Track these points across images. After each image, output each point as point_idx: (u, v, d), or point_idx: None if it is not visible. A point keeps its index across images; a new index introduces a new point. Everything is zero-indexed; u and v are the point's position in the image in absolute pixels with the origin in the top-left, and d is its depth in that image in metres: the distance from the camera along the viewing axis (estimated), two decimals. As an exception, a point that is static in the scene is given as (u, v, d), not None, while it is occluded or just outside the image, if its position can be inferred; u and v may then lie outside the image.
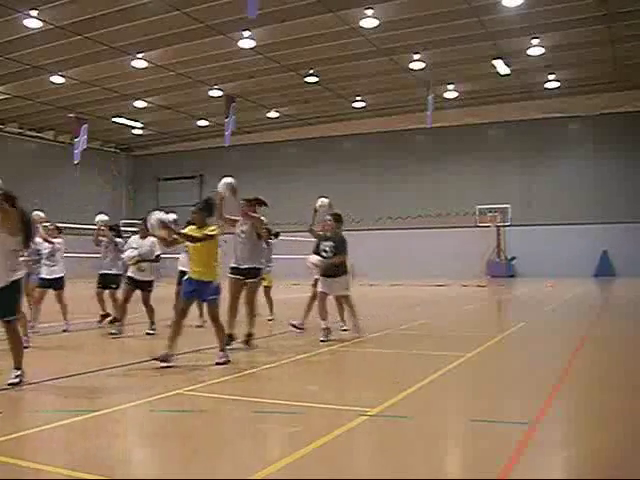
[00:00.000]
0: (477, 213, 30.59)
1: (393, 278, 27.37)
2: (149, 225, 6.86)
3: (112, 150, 38.55)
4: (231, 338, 7.54)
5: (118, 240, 9.91)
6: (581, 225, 28.81)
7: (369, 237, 32.35)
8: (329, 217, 8.88)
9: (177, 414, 4.73)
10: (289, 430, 4.30)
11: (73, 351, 8.04)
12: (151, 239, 9.07)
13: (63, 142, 33.61)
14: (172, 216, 8.52)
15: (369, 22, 19.62)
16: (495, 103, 29.59)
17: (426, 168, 32.38)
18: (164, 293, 11.34)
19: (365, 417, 4.42)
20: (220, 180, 7.90)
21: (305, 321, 9.32)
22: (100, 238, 10.01)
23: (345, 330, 9.06)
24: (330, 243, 8.61)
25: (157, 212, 6.85)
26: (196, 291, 6.69)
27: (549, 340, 8.94)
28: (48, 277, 9.34)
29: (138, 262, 9.02)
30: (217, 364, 6.53)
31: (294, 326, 9.20)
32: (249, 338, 7.87)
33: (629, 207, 28.23)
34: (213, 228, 6.82)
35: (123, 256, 9.31)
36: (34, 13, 18.25)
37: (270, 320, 10.84)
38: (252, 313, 8.01)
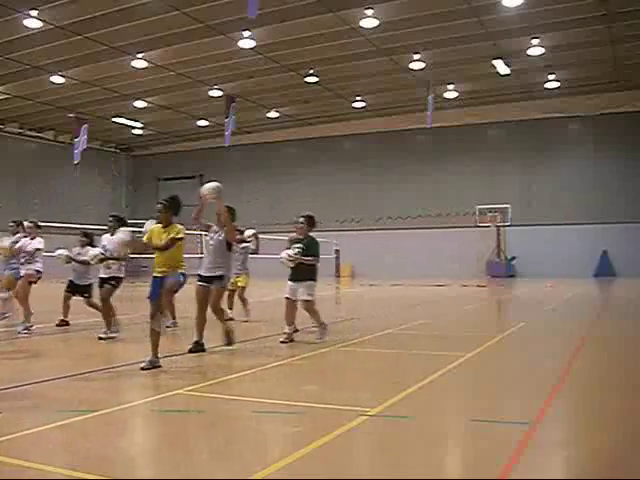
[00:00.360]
0: (477, 213, 30.59)
1: (393, 278, 27.35)
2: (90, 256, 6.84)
3: (112, 150, 38.54)
4: (200, 346, 7.35)
5: (90, 248, 9.25)
6: (581, 225, 28.81)
7: (369, 237, 32.45)
8: (301, 219, 8.44)
9: (177, 414, 4.73)
10: (289, 430, 4.31)
11: (71, 351, 8.04)
12: (119, 235, 8.72)
13: (63, 142, 33.61)
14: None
15: (369, 22, 19.62)
16: (495, 103, 29.59)
17: (426, 168, 32.38)
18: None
19: (365, 417, 4.42)
20: (213, 182, 7.57)
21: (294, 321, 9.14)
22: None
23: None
24: (299, 245, 8.22)
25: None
26: (157, 290, 6.52)
27: (549, 340, 8.93)
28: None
29: (103, 260, 8.58)
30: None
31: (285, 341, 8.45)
32: (228, 337, 7.62)
33: (629, 207, 28.23)
34: (178, 230, 6.59)
35: (86, 257, 8.87)
36: (34, 13, 18.26)
37: (245, 322, 10.37)
38: (220, 315, 7.78)
